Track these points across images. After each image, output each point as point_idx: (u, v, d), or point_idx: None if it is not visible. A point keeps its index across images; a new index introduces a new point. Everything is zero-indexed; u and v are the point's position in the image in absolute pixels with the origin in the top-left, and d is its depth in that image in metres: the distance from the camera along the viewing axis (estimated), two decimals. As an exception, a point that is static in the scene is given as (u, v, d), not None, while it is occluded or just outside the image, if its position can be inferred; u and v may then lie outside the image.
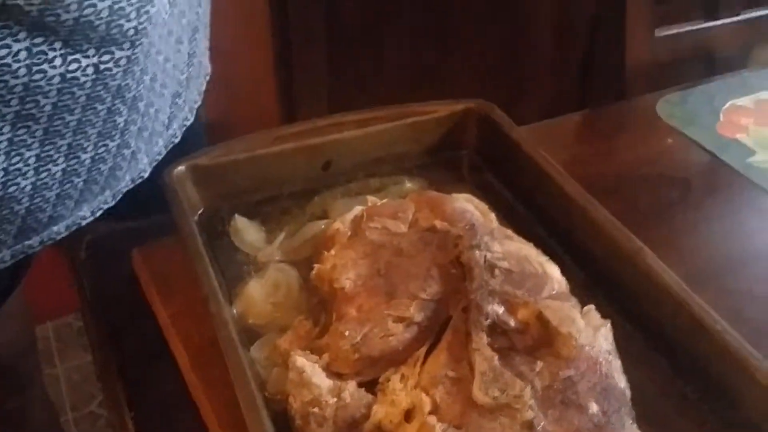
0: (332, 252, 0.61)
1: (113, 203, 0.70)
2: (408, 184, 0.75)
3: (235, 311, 0.60)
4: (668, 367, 0.57)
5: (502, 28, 1.60)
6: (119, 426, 0.58)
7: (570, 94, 1.59)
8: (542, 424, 0.48)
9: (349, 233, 0.63)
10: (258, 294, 0.61)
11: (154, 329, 0.63)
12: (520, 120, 0.87)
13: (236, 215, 0.69)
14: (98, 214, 0.69)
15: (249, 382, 0.50)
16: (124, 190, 0.70)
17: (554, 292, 0.58)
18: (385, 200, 0.68)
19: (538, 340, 0.54)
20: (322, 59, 1.55)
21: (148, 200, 0.65)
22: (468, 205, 0.66)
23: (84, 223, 0.68)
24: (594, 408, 0.49)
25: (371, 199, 0.68)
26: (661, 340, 0.58)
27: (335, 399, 0.52)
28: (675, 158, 0.89)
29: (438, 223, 0.63)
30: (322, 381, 0.52)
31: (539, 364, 0.52)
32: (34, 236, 0.65)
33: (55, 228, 0.66)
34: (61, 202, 0.63)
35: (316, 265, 0.61)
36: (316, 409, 0.51)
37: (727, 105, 0.95)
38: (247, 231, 0.68)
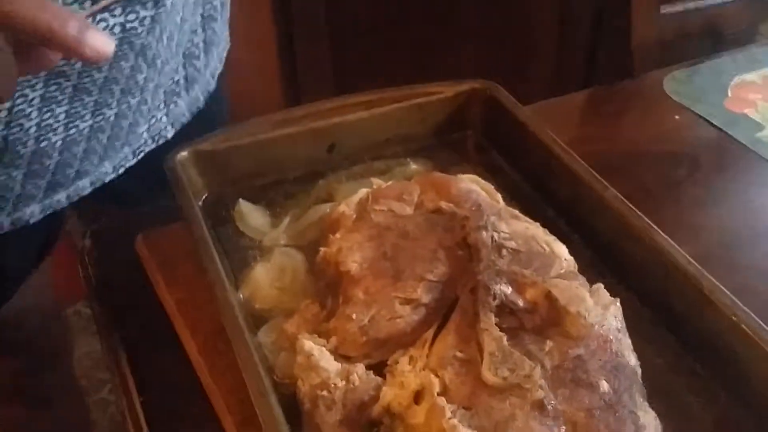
0: (338, 235, 0.61)
1: (134, 161, 0.73)
2: (413, 166, 0.74)
3: (241, 296, 0.60)
4: (678, 343, 0.57)
5: (507, 7, 1.59)
6: (129, 412, 0.58)
7: (576, 73, 1.58)
8: (553, 403, 0.48)
9: (354, 216, 0.63)
10: (264, 278, 0.61)
11: (161, 315, 0.63)
12: (526, 99, 0.86)
13: (240, 200, 0.68)
14: (120, 171, 0.71)
15: (257, 367, 0.50)
16: (145, 149, 0.73)
17: (562, 271, 0.58)
18: (390, 182, 0.67)
19: (546, 320, 0.53)
20: (325, 45, 1.55)
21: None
22: (474, 186, 0.66)
23: (107, 179, 0.71)
24: (605, 386, 0.49)
25: (376, 181, 0.68)
26: (671, 317, 0.58)
27: (344, 382, 0.51)
28: (683, 135, 0.88)
29: (444, 205, 0.62)
30: (330, 364, 0.52)
31: (548, 344, 0.51)
32: (61, 191, 0.68)
33: (80, 183, 0.69)
34: (87, 158, 0.66)
35: (321, 249, 0.61)
36: (324, 393, 0.51)
37: (734, 81, 0.94)
38: (251, 215, 0.67)
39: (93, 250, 0.71)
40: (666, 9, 1.09)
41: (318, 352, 0.53)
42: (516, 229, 0.61)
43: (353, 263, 0.57)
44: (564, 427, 0.47)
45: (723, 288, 0.55)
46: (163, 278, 0.64)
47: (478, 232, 0.58)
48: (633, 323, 0.56)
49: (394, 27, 1.57)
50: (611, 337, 0.52)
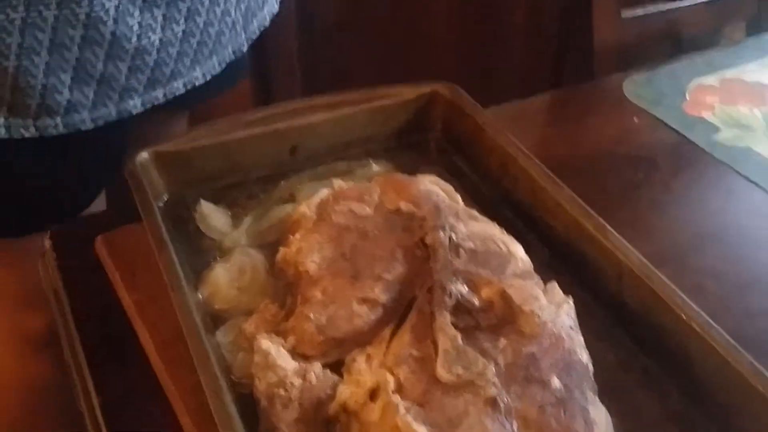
0: (297, 235, 0.61)
1: (219, 71, 0.81)
2: (375, 167, 0.75)
3: (200, 296, 0.60)
4: (630, 341, 0.58)
5: (474, 9, 1.60)
6: (88, 412, 0.58)
7: (544, 75, 1.60)
8: (505, 400, 0.49)
9: (314, 217, 0.63)
10: (223, 279, 0.61)
11: (120, 317, 0.63)
12: (494, 100, 0.87)
13: (202, 200, 0.68)
14: (208, 77, 0.80)
15: (212, 367, 0.50)
16: (228, 60, 0.82)
17: (518, 271, 0.59)
18: (351, 183, 0.68)
19: (502, 319, 0.54)
20: (294, 44, 1.55)
21: None
22: (433, 187, 0.67)
23: (197, 83, 0.79)
24: (556, 383, 0.50)
25: (337, 182, 0.68)
26: (624, 316, 0.59)
27: (301, 380, 0.52)
28: (641, 138, 0.89)
29: (403, 205, 0.63)
30: (287, 363, 0.52)
31: (503, 342, 0.52)
32: (159, 88, 0.76)
33: (175, 84, 0.77)
34: (180, 60, 0.76)
35: (281, 249, 0.61)
36: (281, 391, 0.51)
37: (693, 84, 0.96)
38: (212, 216, 0.67)
39: (53, 252, 0.71)
40: (627, 13, 1.10)
41: (275, 351, 0.53)
42: (474, 229, 0.62)
43: (312, 263, 0.58)
44: (516, 422, 0.48)
45: (674, 287, 0.56)
46: (122, 280, 0.64)
47: (436, 232, 0.59)
48: (587, 321, 0.57)
49: (363, 29, 1.58)
50: (564, 335, 0.53)
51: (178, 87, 0.78)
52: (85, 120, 0.72)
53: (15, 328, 0.87)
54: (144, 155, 0.67)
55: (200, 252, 0.65)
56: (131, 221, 0.66)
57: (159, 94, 0.76)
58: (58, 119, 0.71)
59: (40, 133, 0.71)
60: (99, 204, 0.85)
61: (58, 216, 0.79)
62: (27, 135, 0.70)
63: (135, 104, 0.75)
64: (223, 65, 0.82)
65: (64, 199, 0.80)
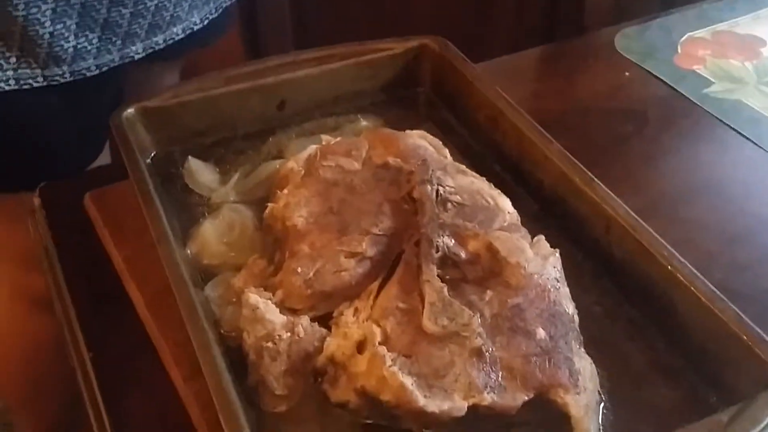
0: (285, 191, 0.61)
1: (216, 16, 0.84)
2: (363, 123, 0.74)
3: (189, 252, 0.60)
4: (617, 293, 0.58)
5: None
6: (80, 367, 0.59)
7: (535, 29, 1.58)
8: (491, 350, 0.49)
9: (302, 172, 0.63)
10: (212, 234, 0.61)
11: (110, 273, 0.63)
12: (486, 56, 0.86)
13: (189, 157, 0.68)
14: (206, 23, 0.83)
15: (200, 320, 0.50)
16: (224, 5, 0.85)
17: (505, 224, 0.59)
18: (338, 138, 0.67)
19: (488, 271, 0.54)
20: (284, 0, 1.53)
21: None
22: (421, 141, 0.66)
23: (195, 28, 0.81)
24: (541, 333, 0.50)
25: (325, 137, 0.68)
26: (611, 268, 0.59)
27: (289, 334, 0.52)
28: (632, 91, 0.89)
29: (391, 160, 0.63)
30: (275, 317, 0.53)
31: (489, 294, 0.53)
32: (159, 34, 0.78)
33: (174, 29, 0.79)
34: (179, 4, 0.78)
35: (269, 204, 0.61)
36: (269, 344, 0.52)
37: (684, 37, 0.95)
38: (200, 173, 0.67)
39: (42, 209, 0.70)
40: (620, -34, 1.09)
41: (263, 305, 0.53)
42: (461, 183, 0.62)
43: (299, 218, 0.58)
44: (501, 372, 0.49)
45: (660, 239, 0.56)
46: (111, 236, 0.64)
47: (423, 186, 0.59)
48: (574, 273, 0.58)
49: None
50: (549, 287, 0.53)
51: (177, 32, 0.80)
52: (90, 67, 0.74)
53: (15, 287, 0.87)
54: (130, 111, 0.66)
55: (188, 208, 0.65)
56: (120, 178, 0.66)
57: (159, 39, 0.78)
58: (65, 67, 0.72)
59: (48, 82, 0.72)
60: (104, 160, 0.85)
61: (64, 169, 0.79)
62: (35, 84, 0.71)
63: (137, 49, 0.77)
64: (220, 10, 0.84)
65: (70, 152, 0.81)
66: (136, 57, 0.77)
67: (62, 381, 0.66)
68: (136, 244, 0.63)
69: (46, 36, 0.69)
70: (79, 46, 0.72)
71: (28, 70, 0.70)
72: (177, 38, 0.80)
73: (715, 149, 0.82)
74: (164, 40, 0.79)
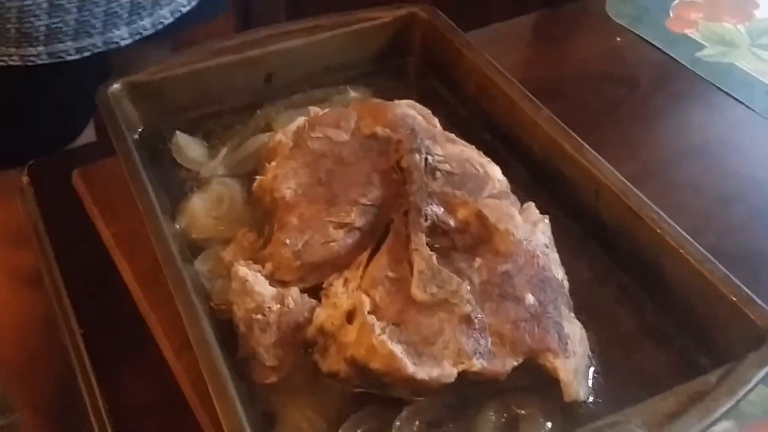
0: (274, 163, 0.61)
1: (188, 8, 0.79)
2: (353, 94, 0.74)
3: (177, 227, 0.60)
4: (607, 258, 0.58)
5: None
6: (71, 342, 0.59)
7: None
8: (479, 316, 0.49)
9: (291, 144, 0.63)
10: (201, 208, 0.61)
11: (99, 249, 0.63)
12: (480, 25, 0.86)
13: (177, 132, 0.68)
14: (193, 3, 0.79)
15: (188, 292, 0.50)
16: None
17: (495, 192, 0.59)
18: (327, 110, 0.67)
19: (477, 238, 0.54)
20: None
21: None
22: (410, 111, 0.66)
23: (184, 10, 0.78)
24: (531, 299, 0.50)
25: (314, 109, 0.67)
26: (601, 233, 0.59)
27: (278, 305, 0.52)
28: (624, 56, 0.88)
29: (380, 130, 0.63)
30: (264, 289, 0.53)
31: (478, 261, 0.53)
32: (145, 17, 0.75)
33: (161, 12, 0.76)
34: None
35: (257, 177, 0.61)
36: (259, 316, 0.52)
37: (676, 1, 0.94)
38: (189, 147, 0.67)
39: (31, 187, 0.70)
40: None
41: (252, 277, 0.53)
42: (451, 152, 0.61)
43: (288, 189, 0.58)
44: (490, 338, 0.49)
45: (650, 202, 0.56)
46: (100, 212, 0.64)
47: (412, 155, 0.59)
48: (563, 240, 0.58)
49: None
50: (539, 253, 0.53)
51: (165, 15, 0.77)
52: (69, 49, 0.71)
53: (5, 265, 0.87)
54: (116, 86, 0.66)
55: (176, 183, 0.65)
56: (109, 154, 0.66)
57: (146, 23, 0.75)
58: (41, 48, 0.70)
59: (24, 62, 0.70)
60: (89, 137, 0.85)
61: (46, 147, 0.78)
62: (11, 63, 0.70)
63: (121, 34, 0.74)
64: (194, 3, 0.79)
65: (53, 129, 0.80)
66: (122, 43, 0.74)
67: (55, 356, 0.67)
68: (125, 220, 0.63)
69: (15, 11, 0.67)
70: (53, 26, 0.69)
71: (3, 47, 0.69)
72: (166, 22, 0.77)
73: (707, 112, 0.81)
74: (152, 24, 0.76)
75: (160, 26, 0.77)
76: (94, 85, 0.68)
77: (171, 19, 0.77)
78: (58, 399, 0.96)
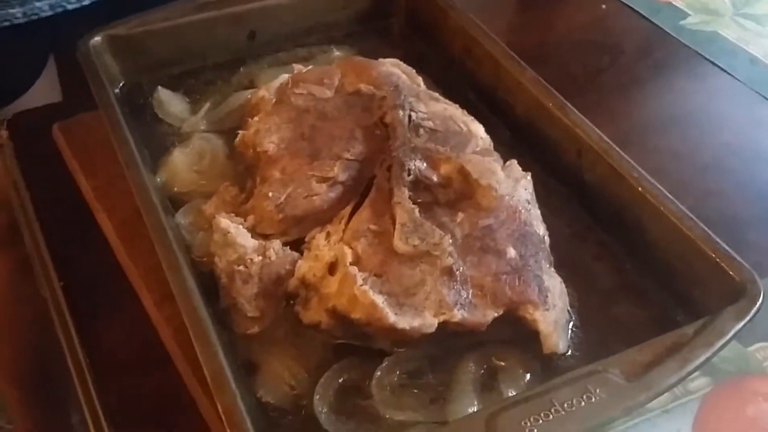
0: (256, 118, 0.61)
1: None
2: (336, 53, 0.73)
3: (158, 180, 0.60)
4: (588, 216, 0.59)
5: None
6: (51, 296, 0.58)
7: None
8: (461, 269, 0.49)
9: (274, 100, 0.62)
10: (182, 162, 0.61)
11: (80, 203, 0.62)
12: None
13: (159, 87, 0.67)
14: None
15: (170, 242, 0.50)
16: None
17: (478, 149, 0.59)
18: (310, 67, 0.66)
19: (460, 194, 0.54)
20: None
21: None
22: (394, 69, 0.66)
23: None
24: (512, 253, 0.51)
25: (297, 67, 0.67)
26: (583, 192, 0.59)
27: (260, 257, 0.52)
28: (608, 24, 0.88)
29: (363, 87, 0.62)
30: (246, 241, 0.52)
31: (460, 215, 0.53)
32: None
33: None
34: None
35: (240, 132, 0.61)
36: (241, 268, 0.51)
37: (662, -31, 0.94)
38: (170, 102, 0.66)
39: (10, 141, 0.69)
40: None
41: (234, 229, 0.53)
42: (434, 109, 0.61)
43: (270, 144, 0.57)
44: (471, 290, 0.49)
45: (631, 161, 0.57)
46: (81, 166, 0.63)
47: (395, 110, 0.58)
48: (545, 198, 0.58)
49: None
50: (520, 208, 0.53)
51: None
52: (16, 13, 0.70)
53: None
54: (97, 39, 0.65)
55: (158, 138, 0.64)
56: (89, 109, 0.65)
57: (44, 6, 0.72)
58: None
59: None
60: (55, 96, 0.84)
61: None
62: None
63: (42, 6, 0.71)
64: None
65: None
66: (69, 7, 0.72)
67: (32, 312, 0.66)
68: (105, 174, 0.62)
69: None
70: None
71: None
72: (70, 7, 0.73)
73: (690, 80, 0.82)
74: (51, 7, 0.72)
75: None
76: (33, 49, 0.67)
77: None
78: (37, 355, 0.95)
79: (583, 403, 0.42)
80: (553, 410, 0.41)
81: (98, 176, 0.62)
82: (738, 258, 0.50)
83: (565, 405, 0.42)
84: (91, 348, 0.55)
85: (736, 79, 0.80)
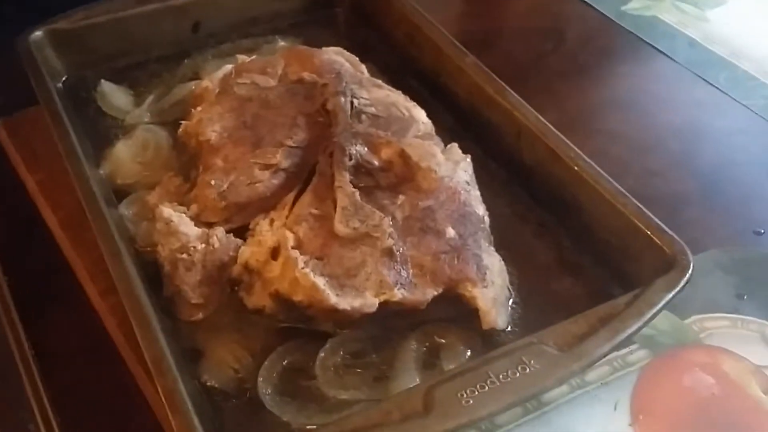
0: (199, 108, 0.61)
1: None
2: (282, 43, 0.74)
3: (102, 172, 0.60)
4: (528, 197, 0.60)
5: None
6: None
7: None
8: (401, 250, 0.50)
9: (217, 90, 0.63)
10: (125, 154, 0.61)
11: (24, 198, 0.62)
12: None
13: (102, 80, 0.67)
14: None
15: (110, 230, 0.50)
16: None
17: (419, 134, 0.60)
18: (254, 57, 0.67)
19: (401, 177, 0.55)
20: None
21: None
22: (338, 57, 0.66)
23: None
24: (451, 233, 0.52)
25: (242, 58, 0.67)
26: (522, 174, 0.60)
27: (203, 245, 0.52)
28: (551, 10, 0.90)
29: (306, 75, 0.63)
30: (189, 229, 0.53)
31: (401, 198, 0.54)
32: None
33: None
34: None
35: (183, 122, 0.61)
36: (184, 255, 0.52)
37: (604, -44, 0.96)
38: (113, 95, 0.66)
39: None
40: None
41: (177, 218, 0.53)
42: (377, 96, 0.62)
43: (212, 132, 0.58)
44: (411, 270, 0.50)
45: (568, 141, 0.58)
46: (23, 160, 0.63)
47: (337, 97, 0.59)
48: (486, 180, 0.59)
49: None
50: (460, 189, 0.54)
51: None
52: None
53: None
54: (37, 33, 0.65)
55: (102, 132, 0.64)
56: (32, 104, 0.65)
57: None
58: None
59: None
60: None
61: None
62: None
63: None
64: None
65: None
66: None
67: None
68: (49, 168, 0.62)
69: None
70: None
71: None
72: None
73: (632, 64, 0.83)
74: None
75: None
76: None
77: None
78: None
79: (518, 374, 0.43)
80: (488, 382, 0.42)
81: (42, 171, 0.62)
82: (669, 231, 0.51)
83: (501, 376, 0.43)
84: (37, 342, 0.55)
85: (676, 62, 0.82)
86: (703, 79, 0.81)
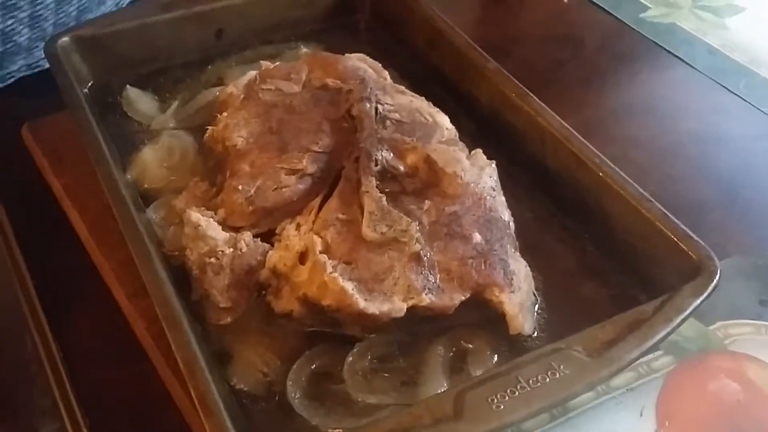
0: (225, 114, 0.61)
1: None
2: (304, 50, 0.74)
3: (129, 177, 0.60)
4: (551, 203, 0.60)
5: None
6: (23, 294, 0.59)
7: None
8: (428, 254, 0.51)
9: (242, 96, 0.63)
10: (152, 159, 0.61)
11: (51, 202, 0.63)
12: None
13: (128, 86, 0.68)
14: None
15: (141, 234, 0.51)
16: None
17: (443, 140, 0.60)
18: (278, 63, 0.67)
19: (426, 183, 0.56)
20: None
21: None
22: (361, 64, 0.67)
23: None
24: (477, 238, 0.52)
25: (265, 64, 0.68)
26: (546, 179, 0.61)
27: (231, 249, 0.53)
28: (570, 17, 0.90)
29: (330, 81, 0.64)
30: (217, 233, 0.53)
31: (427, 203, 0.54)
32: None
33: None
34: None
35: (209, 128, 0.61)
36: (212, 260, 0.52)
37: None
38: (139, 101, 0.67)
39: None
40: None
41: (205, 222, 0.54)
42: (400, 102, 0.62)
43: (239, 138, 0.58)
44: (439, 275, 0.50)
45: (591, 147, 0.58)
46: (50, 165, 0.64)
47: (362, 103, 0.60)
48: (510, 186, 0.59)
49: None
50: (485, 195, 0.54)
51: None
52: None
53: None
54: (65, 39, 0.65)
55: (127, 136, 0.65)
56: (58, 109, 0.66)
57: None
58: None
59: None
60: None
61: None
62: None
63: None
64: None
65: None
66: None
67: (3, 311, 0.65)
68: (75, 172, 0.63)
69: None
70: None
71: None
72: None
73: (650, 71, 0.84)
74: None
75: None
76: None
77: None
78: (8, 352, 0.94)
79: (547, 380, 0.43)
80: (518, 387, 0.43)
81: (68, 175, 0.63)
82: (695, 237, 0.52)
83: (530, 381, 0.43)
84: (65, 344, 0.56)
85: (695, 69, 0.82)
86: (723, 86, 0.81)
